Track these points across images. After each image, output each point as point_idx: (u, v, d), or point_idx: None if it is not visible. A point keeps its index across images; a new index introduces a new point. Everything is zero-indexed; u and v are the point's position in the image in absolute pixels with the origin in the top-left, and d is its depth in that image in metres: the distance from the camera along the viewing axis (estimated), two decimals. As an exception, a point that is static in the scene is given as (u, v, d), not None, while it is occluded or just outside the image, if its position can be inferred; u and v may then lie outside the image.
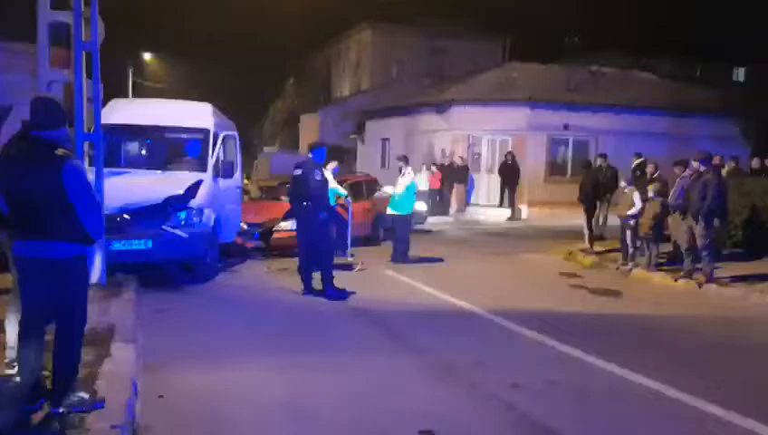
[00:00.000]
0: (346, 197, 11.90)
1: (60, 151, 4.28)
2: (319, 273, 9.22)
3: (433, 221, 19.00)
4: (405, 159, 12.65)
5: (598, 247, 13.41)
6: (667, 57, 32.49)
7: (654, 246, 11.24)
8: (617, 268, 11.84)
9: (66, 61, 8.15)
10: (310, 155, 9.69)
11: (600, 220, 14.81)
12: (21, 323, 4.40)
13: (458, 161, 22.00)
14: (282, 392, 5.43)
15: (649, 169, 12.31)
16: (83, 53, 8.06)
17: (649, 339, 7.56)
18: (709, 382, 5.91)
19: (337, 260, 10.80)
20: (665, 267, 11.29)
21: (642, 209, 11.25)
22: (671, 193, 10.86)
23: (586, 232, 13.66)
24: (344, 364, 6.22)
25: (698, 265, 10.39)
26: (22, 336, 4.37)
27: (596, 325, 8.16)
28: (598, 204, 14.28)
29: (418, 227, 17.41)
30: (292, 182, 9.43)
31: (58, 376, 4.37)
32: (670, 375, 5.96)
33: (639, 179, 13.07)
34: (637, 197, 11.48)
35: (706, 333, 7.96)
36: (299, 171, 9.24)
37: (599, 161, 15.47)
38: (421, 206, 18.03)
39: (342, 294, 9.06)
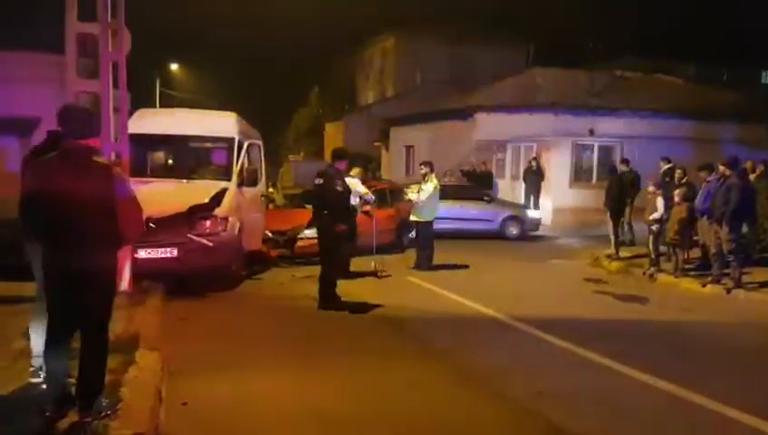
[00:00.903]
0: (373, 200, 11.94)
1: (103, 160, 4.32)
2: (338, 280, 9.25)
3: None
4: (429, 166, 12.61)
5: (624, 253, 13.28)
6: (693, 60, 32.13)
7: (680, 251, 11.10)
8: (643, 273, 11.71)
9: (94, 71, 8.29)
10: (332, 163, 9.75)
11: (626, 226, 14.68)
12: (48, 331, 4.37)
13: (481, 167, 21.94)
14: (305, 399, 5.44)
15: (678, 174, 12.14)
16: (110, 63, 8.19)
17: (676, 345, 7.46)
18: (737, 389, 5.82)
19: (360, 268, 10.86)
20: (692, 273, 11.14)
21: (668, 214, 11.13)
22: (697, 198, 10.72)
23: (612, 237, 13.53)
24: (368, 371, 6.22)
25: (726, 271, 10.23)
26: (50, 344, 4.36)
27: (622, 331, 8.07)
28: (625, 209, 14.20)
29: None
30: (314, 191, 9.44)
31: (86, 384, 4.37)
32: (697, 382, 5.86)
33: (667, 184, 12.92)
34: (660, 202, 11.36)
35: (734, 339, 7.84)
36: (320, 180, 9.20)
37: (621, 167, 15.39)
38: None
39: (339, 307, 8.84)
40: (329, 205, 9.05)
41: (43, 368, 4.58)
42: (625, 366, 6.37)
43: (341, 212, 9.22)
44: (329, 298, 8.94)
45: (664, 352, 7.08)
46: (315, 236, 11.19)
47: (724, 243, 10.01)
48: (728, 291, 10.02)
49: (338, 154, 9.79)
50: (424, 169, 12.56)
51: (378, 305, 9.02)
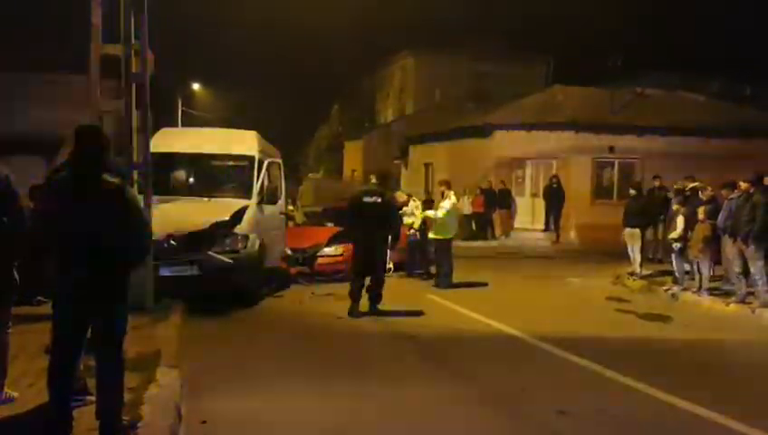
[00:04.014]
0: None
1: (115, 180, 4.35)
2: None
3: (476, 245, 18.91)
4: (447, 184, 12.65)
5: (646, 271, 13.13)
6: (715, 77, 31.84)
7: (704, 269, 10.95)
8: (665, 290, 11.57)
9: (117, 92, 8.45)
10: (374, 180, 10.25)
11: (653, 244, 14.55)
12: (54, 352, 4.35)
13: (500, 185, 21.90)
14: (325, 420, 5.41)
15: (708, 192, 11.94)
16: (133, 84, 8.33)
17: (700, 365, 7.34)
18: (762, 410, 5.71)
19: None
20: (716, 292, 10.98)
21: (691, 232, 11.01)
22: (720, 215, 10.57)
23: (633, 255, 13.35)
24: (388, 391, 6.18)
25: (750, 290, 10.08)
26: (57, 365, 4.33)
27: (644, 351, 7.98)
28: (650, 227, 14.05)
29: None
30: (369, 207, 9.68)
31: (105, 404, 4.36)
32: (721, 403, 5.76)
33: (688, 201, 12.77)
34: (680, 220, 11.24)
35: (759, 359, 7.71)
36: (376, 198, 9.71)
37: (653, 183, 15.35)
38: None
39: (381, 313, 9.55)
40: (391, 222, 10.02)
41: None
42: (647, 386, 6.27)
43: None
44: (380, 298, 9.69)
45: (687, 372, 6.97)
46: (335, 253, 11.35)
47: (750, 262, 9.87)
48: (753, 310, 9.86)
49: (383, 175, 11.09)
50: (442, 187, 12.60)
51: (398, 324, 9.01)
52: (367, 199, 9.73)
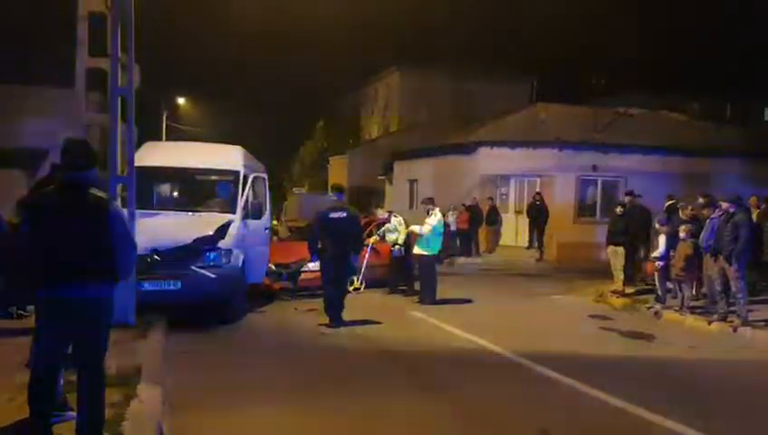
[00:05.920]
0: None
1: (102, 194, 4.33)
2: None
3: (460, 262, 18.94)
4: (431, 202, 12.69)
5: (629, 289, 13.20)
6: (697, 97, 32.33)
7: (686, 287, 11.04)
8: (648, 308, 11.64)
9: (103, 105, 8.42)
10: (334, 196, 10.52)
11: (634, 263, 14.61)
12: (36, 367, 4.31)
13: (489, 202, 21.98)
14: (307, 435, 5.40)
15: (689, 211, 12.03)
16: (119, 97, 8.30)
17: (683, 384, 7.38)
18: (743, 429, 5.75)
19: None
20: (699, 310, 11.05)
21: (673, 251, 11.10)
22: (702, 235, 10.67)
23: (616, 273, 13.42)
24: (371, 407, 6.17)
25: (732, 308, 10.17)
26: (37, 380, 4.28)
27: (627, 369, 8.00)
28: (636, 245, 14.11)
29: None
30: (333, 223, 9.89)
31: (85, 421, 4.31)
32: (702, 421, 5.80)
33: (671, 221, 12.88)
34: (662, 238, 11.34)
35: (740, 378, 7.77)
36: (342, 214, 9.97)
37: (636, 201, 15.42)
38: None
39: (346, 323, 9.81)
40: (356, 237, 10.23)
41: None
42: (631, 404, 6.30)
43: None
44: (340, 315, 9.86)
45: (670, 391, 7.00)
46: (319, 269, 11.32)
47: (732, 280, 9.96)
48: (735, 329, 9.94)
49: (341, 189, 11.14)
50: (428, 206, 12.59)
51: (382, 340, 8.98)
52: (333, 215, 9.99)
